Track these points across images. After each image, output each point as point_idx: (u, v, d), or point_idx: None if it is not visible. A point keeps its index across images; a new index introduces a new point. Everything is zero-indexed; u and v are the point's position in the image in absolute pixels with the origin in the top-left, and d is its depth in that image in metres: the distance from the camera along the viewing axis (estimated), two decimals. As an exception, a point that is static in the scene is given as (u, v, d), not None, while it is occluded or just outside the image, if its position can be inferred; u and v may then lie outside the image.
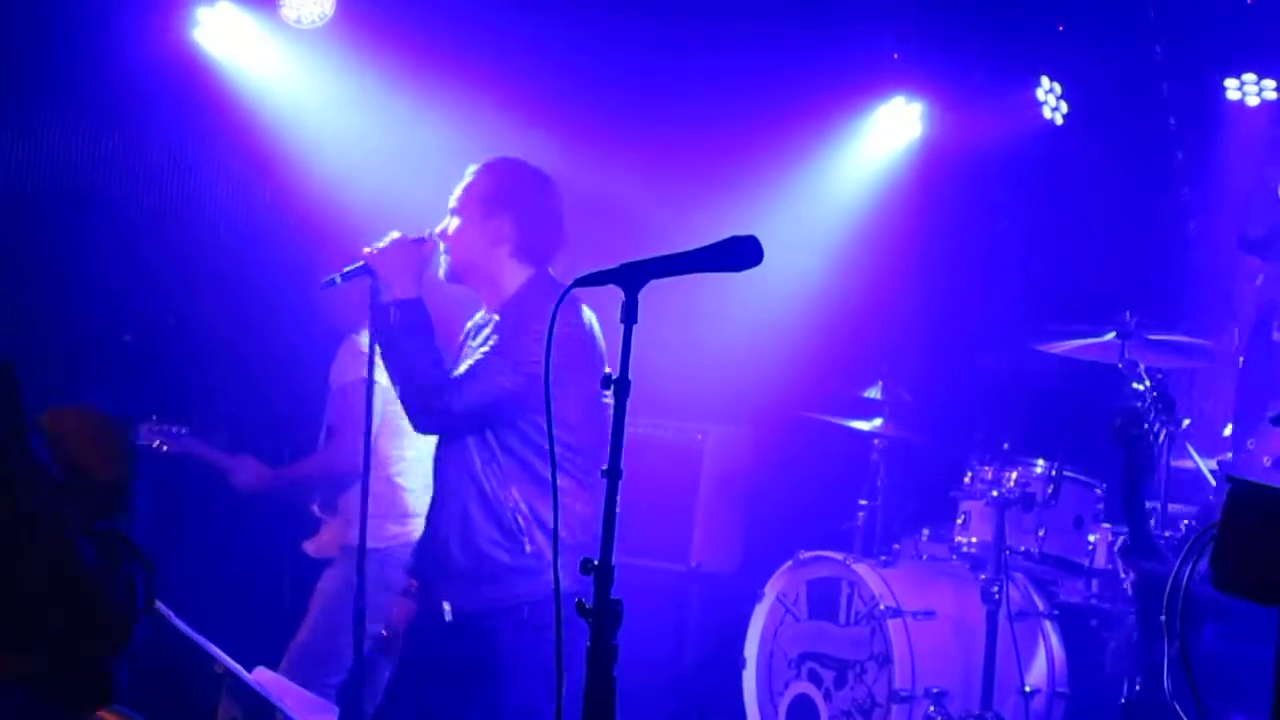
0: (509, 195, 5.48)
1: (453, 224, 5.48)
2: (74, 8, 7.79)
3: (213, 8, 8.03)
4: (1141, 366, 6.91)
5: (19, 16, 7.70)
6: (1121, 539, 6.71)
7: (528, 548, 5.22)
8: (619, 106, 8.80)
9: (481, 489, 5.26)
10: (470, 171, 5.57)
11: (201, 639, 5.26)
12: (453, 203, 5.53)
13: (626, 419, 3.76)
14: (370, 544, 6.74)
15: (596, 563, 3.69)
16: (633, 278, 3.81)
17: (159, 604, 5.01)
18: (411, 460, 6.85)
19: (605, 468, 3.74)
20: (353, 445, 6.72)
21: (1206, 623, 4.81)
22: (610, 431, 3.75)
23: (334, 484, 6.83)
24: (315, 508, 7.01)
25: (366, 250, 5.35)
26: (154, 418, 6.81)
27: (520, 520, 5.23)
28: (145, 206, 8.28)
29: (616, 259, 3.88)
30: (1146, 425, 5.07)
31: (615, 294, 3.83)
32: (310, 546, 6.96)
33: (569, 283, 4.00)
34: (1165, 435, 5.13)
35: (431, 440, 6.03)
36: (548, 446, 5.08)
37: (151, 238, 8.21)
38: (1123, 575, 7.11)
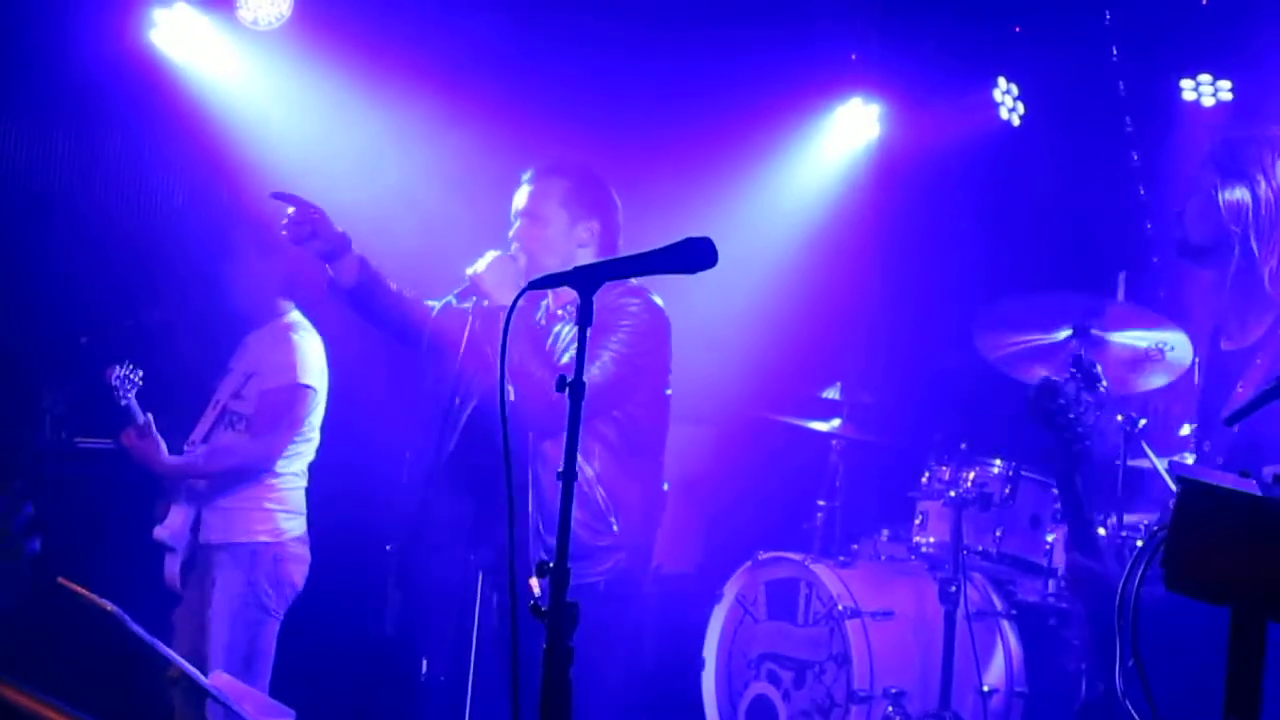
0: (598, 198, 5.75)
1: (536, 230, 5.67)
2: (29, 10, 7.75)
3: (169, 9, 8.01)
4: (1099, 366, 6.92)
5: (-27, 20, 7.68)
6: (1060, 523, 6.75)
7: (615, 527, 5.51)
8: (575, 108, 8.78)
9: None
10: (532, 176, 5.76)
11: (157, 643, 5.23)
12: (529, 206, 5.72)
13: (581, 421, 3.76)
14: (266, 539, 6.78)
15: (551, 565, 3.69)
16: (587, 279, 3.82)
17: (114, 607, 5.00)
18: (305, 455, 6.92)
19: (560, 470, 3.74)
20: (271, 444, 6.77)
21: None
22: (565, 433, 3.75)
23: (239, 477, 6.81)
24: (184, 494, 6.89)
25: (470, 271, 5.52)
26: (126, 363, 6.73)
27: (602, 501, 5.49)
28: (102, 208, 8.25)
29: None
30: (1063, 400, 4.98)
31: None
32: (159, 531, 6.84)
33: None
34: (1089, 407, 5.02)
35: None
36: (632, 434, 5.63)
37: (109, 239, 8.18)
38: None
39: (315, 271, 6.10)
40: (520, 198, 5.78)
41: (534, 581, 5.20)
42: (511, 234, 5.73)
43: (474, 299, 5.55)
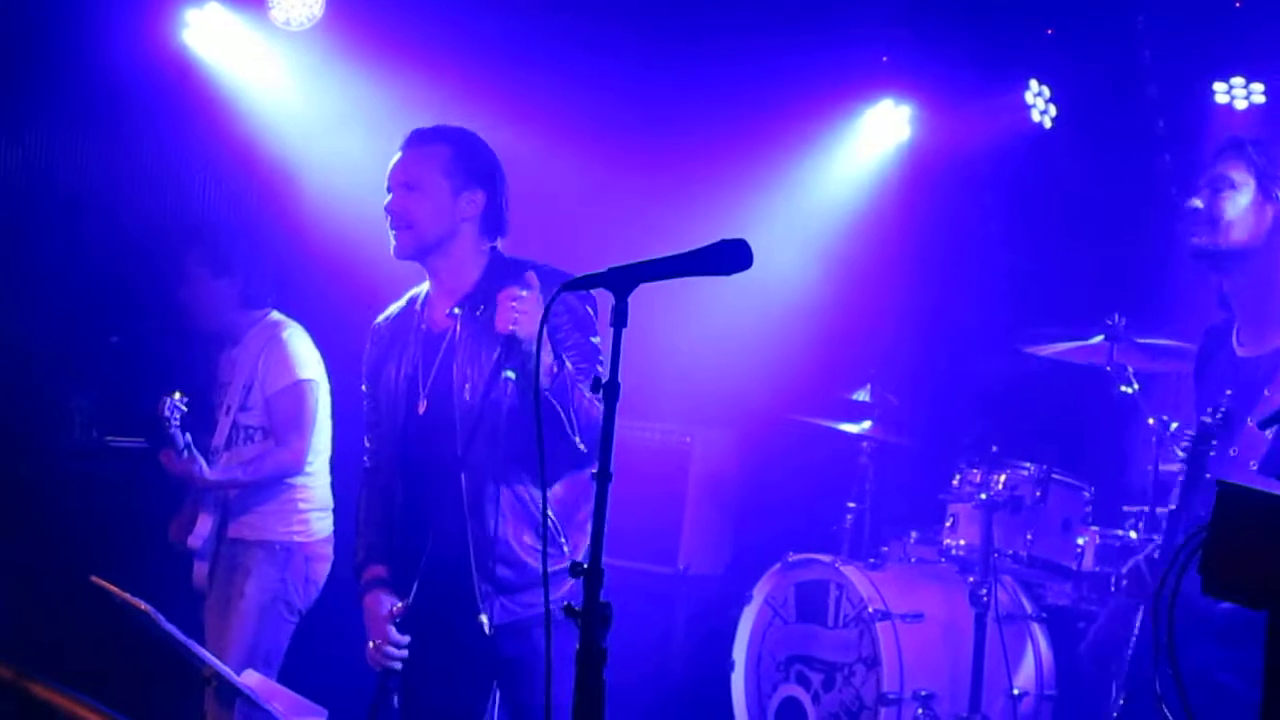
0: (482, 169, 5.26)
1: (415, 200, 5.18)
2: (62, 11, 7.79)
3: (201, 10, 8.05)
4: (1130, 369, 6.92)
5: (7, 20, 7.70)
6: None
7: (566, 550, 5.10)
8: (608, 110, 8.81)
9: (517, 495, 5.08)
10: (409, 143, 5.28)
11: (190, 641, 5.25)
12: (407, 175, 5.21)
13: (616, 422, 3.75)
14: (300, 538, 6.81)
15: (586, 565, 3.68)
16: (622, 281, 3.79)
17: (147, 606, 5.01)
18: (326, 450, 6.98)
19: (595, 470, 3.73)
20: (299, 446, 6.81)
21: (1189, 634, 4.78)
22: (600, 434, 3.73)
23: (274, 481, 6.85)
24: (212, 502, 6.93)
25: (511, 326, 4.83)
26: (177, 393, 6.74)
27: (554, 523, 5.09)
28: (133, 209, 8.28)
29: (606, 262, 3.87)
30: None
31: (606, 296, 3.82)
32: (193, 539, 6.87)
33: (556, 287, 3.98)
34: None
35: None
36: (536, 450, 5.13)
37: (140, 240, 8.20)
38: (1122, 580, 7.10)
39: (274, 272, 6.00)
40: (399, 168, 5.25)
41: (484, 619, 5.16)
42: (386, 205, 5.22)
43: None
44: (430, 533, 5.13)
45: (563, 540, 5.10)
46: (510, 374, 5.00)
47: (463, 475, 5.07)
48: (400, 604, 5.09)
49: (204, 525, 6.81)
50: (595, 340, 5.12)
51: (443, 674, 5.23)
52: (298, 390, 6.85)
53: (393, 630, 5.10)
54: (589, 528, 4.96)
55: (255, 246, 7.14)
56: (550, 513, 5.06)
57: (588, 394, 4.91)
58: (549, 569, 4.94)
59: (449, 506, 5.10)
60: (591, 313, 5.15)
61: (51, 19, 7.79)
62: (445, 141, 5.28)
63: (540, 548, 4.96)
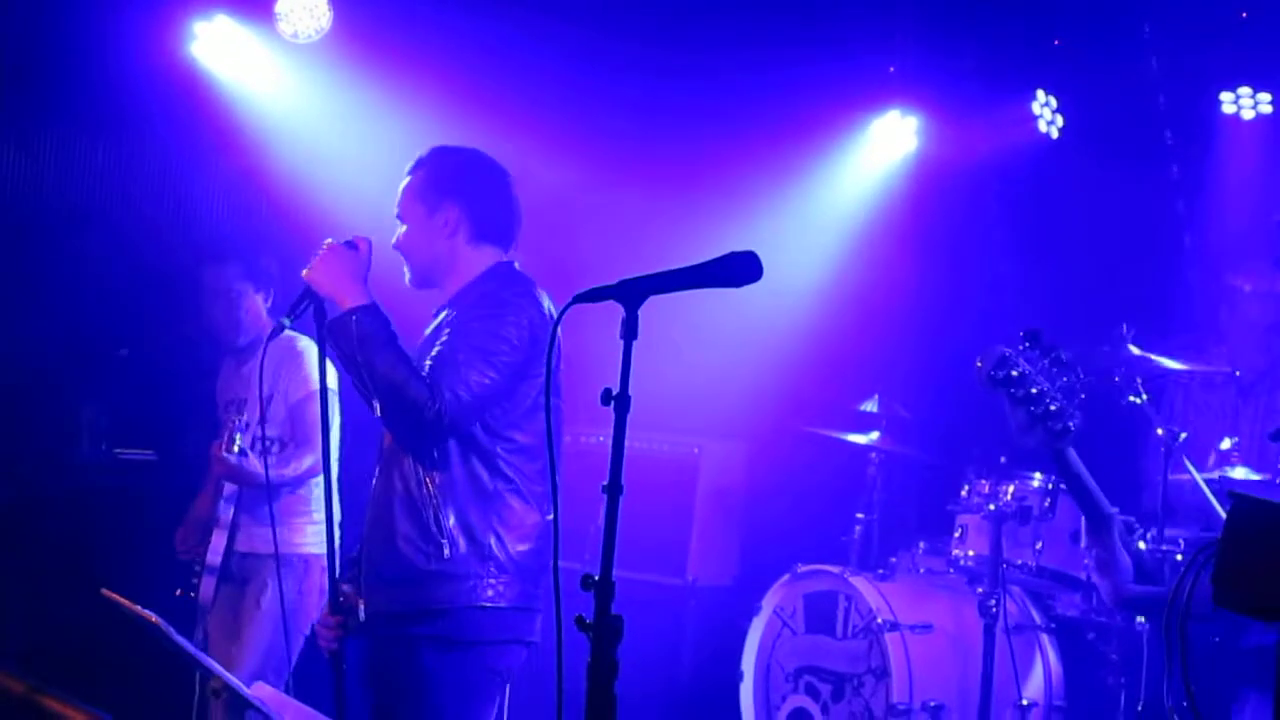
0: (448, 182, 5.22)
1: (401, 230, 5.24)
2: (71, 23, 7.79)
3: (209, 22, 8.05)
4: (1139, 380, 6.91)
5: (17, 32, 7.71)
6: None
7: (446, 552, 4.92)
8: (617, 121, 8.82)
9: (408, 486, 5.00)
10: (405, 173, 5.32)
11: (200, 654, 5.24)
12: (397, 209, 5.26)
13: (626, 434, 3.75)
14: (315, 550, 6.81)
15: (597, 577, 3.68)
16: (632, 293, 3.79)
17: (157, 618, 5.01)
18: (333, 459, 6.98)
19: (605, 483, 3.72)
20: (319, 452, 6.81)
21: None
22: (610, 446, 3.72)
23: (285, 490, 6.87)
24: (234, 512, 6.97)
25: (304, 273, 5.03)
26: (243, 418, 6.79)
27: (441, 522, 4.93)
28: (143, 221, 8.29)
29: (615, 274, 3.87)
30: (1019, 370, 4.59)
31: (614, 309, 3.82)
32: (213, 555, 6.90)
33: (562, 297, 3.98)
34: (1054, 375, 4.65)
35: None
36: (496, 448, 5.00)
37: (148, 252, 8.21)
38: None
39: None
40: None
41: (361, 605, 5.13)
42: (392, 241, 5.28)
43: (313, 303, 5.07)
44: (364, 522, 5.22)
45: (443, 542, 4.94)
46: (287, 321, 5.06)
47: (378, 468, 5.16)
48: (346, 586, 5.16)
49: (218, 540, 6.83)
50: (500, 328, 4.99)
51: (353, 660, 5.19)
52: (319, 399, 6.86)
53: (324, 610, 5.14)
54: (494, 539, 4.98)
55: (284, 260, 7.16)
56: (447, 511, 4.96)
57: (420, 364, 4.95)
58: (422, 568, 4.94)
59: (374, 493, 5.19)
60: (516, 303, 5.07)
61: (60, 30, 7.80)
62: (419, 167, 5.29)
63: (422, 545, 4.95)
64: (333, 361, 5.25)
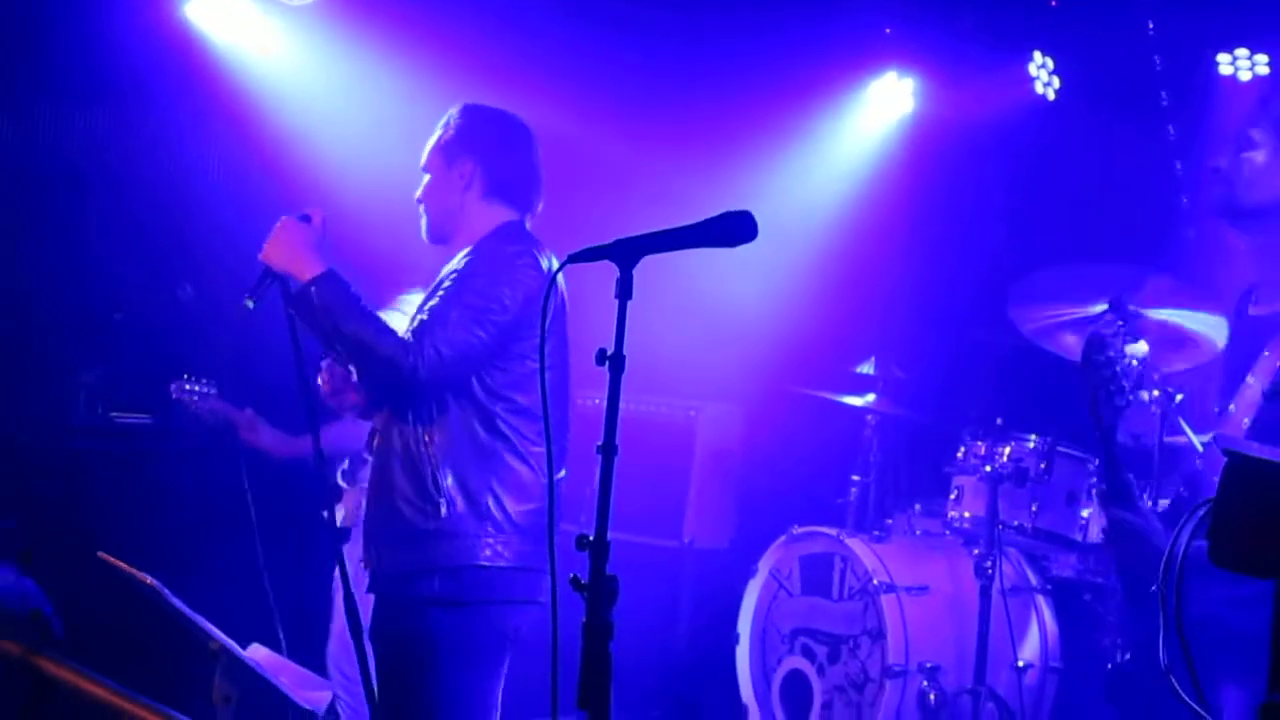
0: (469, 137, 5.28)
1: (425, 186, 5.32)
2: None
3: (204, -16, 8.03)
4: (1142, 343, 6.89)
5: (9, -1, 7.70)
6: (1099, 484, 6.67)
7: (443, 510, 4.92)
8: (612, 81, 8.80)
9: (407, 446, 4.99)
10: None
11: (196, 616, 5.25)
12: (423, 163, 5.36)
13: (621, 395, 3.75)
14: None
15: (592, 538, 3.68)
16: (627, 253, 3.79)
17: (154, 581, 5.02)
18: None
19: (600, 444, 3.72)
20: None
21: (1195, 584, 4.72)
22: (605, 407, 3.73)
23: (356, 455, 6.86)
24: (339, 477, 7.00)
25: (261, 254, 5.00)
26: (185, 376, 6.79)
27: (439, 481, 4.93)
28: (138, 184, 8.26)
29: (610, 234, 3.87)
30: (1111, 353, 4.92)
31: (610, 269, 3.81)
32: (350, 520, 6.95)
33: (561, 257, 3.97)
34: (1133, 366, 4.95)
35: None
36: (495, 407, 5.00)
37: (144, 215, 8.20)
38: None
39: None
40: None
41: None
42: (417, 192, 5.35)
43: (276, 282, 5.01)
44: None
45: (440, 501, 4.94)
46: (249, 303, 4.98)
47: (377, 423, 5.18)
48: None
49: (347, 500, 6.84)
50: (493, 286, 4.98)
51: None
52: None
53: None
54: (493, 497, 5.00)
55: None
56: (445, 470, 4.97)
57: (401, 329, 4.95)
58: (420, 527, 4.95)
59: (375, 454, 5.19)
60: (515, 262, 5.07)
61: (53, -6, 7.79)
62: (448, 121, 5.35)
63: (419, 504, 4.96)
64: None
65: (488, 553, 4.96)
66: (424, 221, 5.33)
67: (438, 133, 5.36)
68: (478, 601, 4.98)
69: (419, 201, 5.33)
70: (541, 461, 5.05)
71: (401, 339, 4.89)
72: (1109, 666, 6.52)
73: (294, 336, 5.08)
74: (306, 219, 5.07)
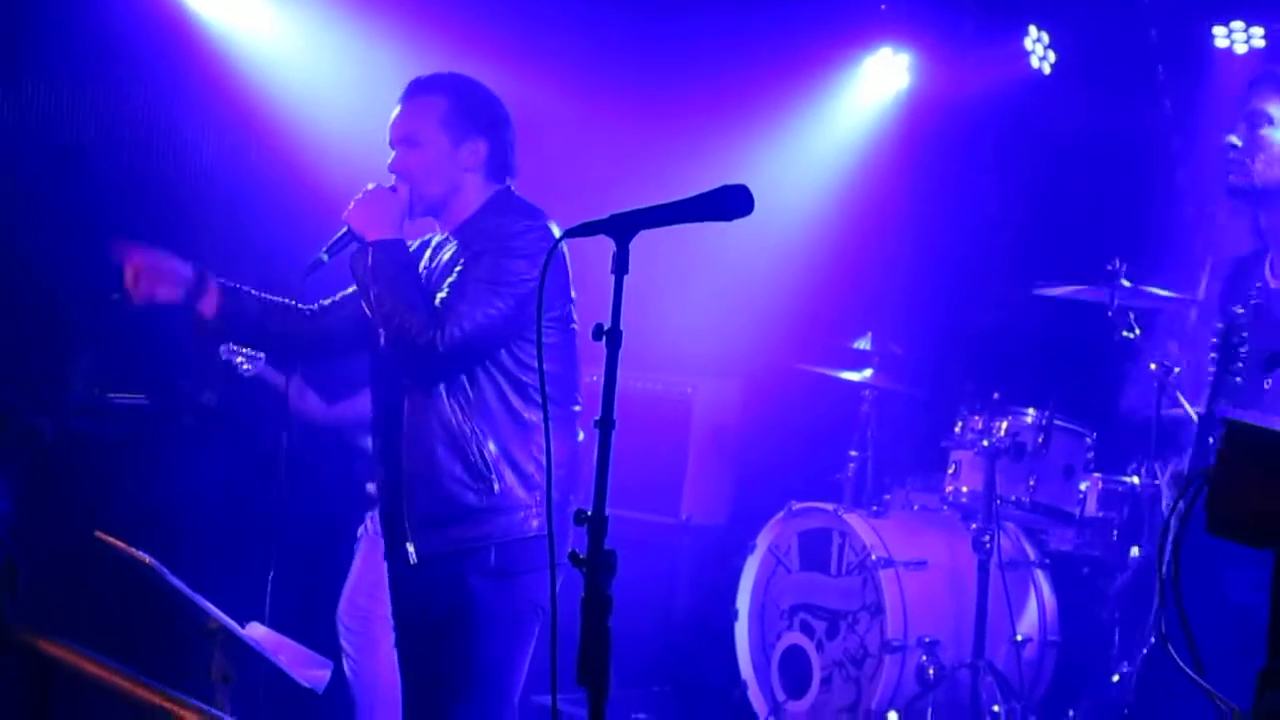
0: (480, 116, 5.22)
1: (415, 156, 5.17)
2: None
3: (197, -41, 8.01)
4: (1131, 314, 6.91)
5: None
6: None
7: (496, 487, 4.98)
8: (607, 58, 8.79)
9: (448, 425, 5.00)
10: (406, 97, 5.24)
11: (195, 595, 5.25)
12: (406, 130, 5.19)
13: (618, 371, 3.74)
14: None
15: (589, 513, 3.67)
16: (623, 227, 3.78)
17: (152, 560, 5.02)
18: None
19: (598, 418, 3.72)
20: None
21: (1230, 573, 4.71)
22: (602, 381, 3.73)
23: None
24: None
25: (345, 214, 5.06)
26: (230, 344, 6.84)
27: (487, 458, 4.98)
28: (131, 163, 8.24)
29: (606, 209, 3.86)
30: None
31: (606, 244, 3.81)
32: (372, 487, 6.99)
33: (558, 228, 3.96)
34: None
35: None
36: (527, 378, 5.03)
37: (138, 194, 8.17)
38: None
39: None
40: (396, 123, 5.22)
41: (410, 548, 5.14)
42: (390, 164, 5.19)
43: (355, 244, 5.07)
44: (382, 463, 5.22)
45: (492, 478, 4.99)
46: (324, 256, 5.07)
47: (405, 403, 5.12)
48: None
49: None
50: (508, 259, 5.00)
51: (397, 603, 5.30)
52: None
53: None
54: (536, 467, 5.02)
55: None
56: (490, 447, 5.01)
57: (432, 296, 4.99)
58: (474, 505, 4.98)
59: (396, 435, 5.14)
60: (528, 235, 5.06)
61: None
62: (442, 92, 5.22)
63: (472, 483, 4.99)
64: None
65: (535, 523, 5.01)
66: (405, 193, 5.17)
67: (426, 102, 5.22)
68: (524, 571, 5.04)
69: (404, 172, 5.19)
70: (569, 425, 5.16)
71: (429, 315, 4.91)
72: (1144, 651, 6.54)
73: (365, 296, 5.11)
74: (394, 190, 5.11)
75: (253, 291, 5.39)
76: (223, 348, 6.90)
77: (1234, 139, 5.34)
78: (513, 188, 5.29)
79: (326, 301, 5.46)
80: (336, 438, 7.25)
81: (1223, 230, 7.35)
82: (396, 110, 5.26)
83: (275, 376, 6.94)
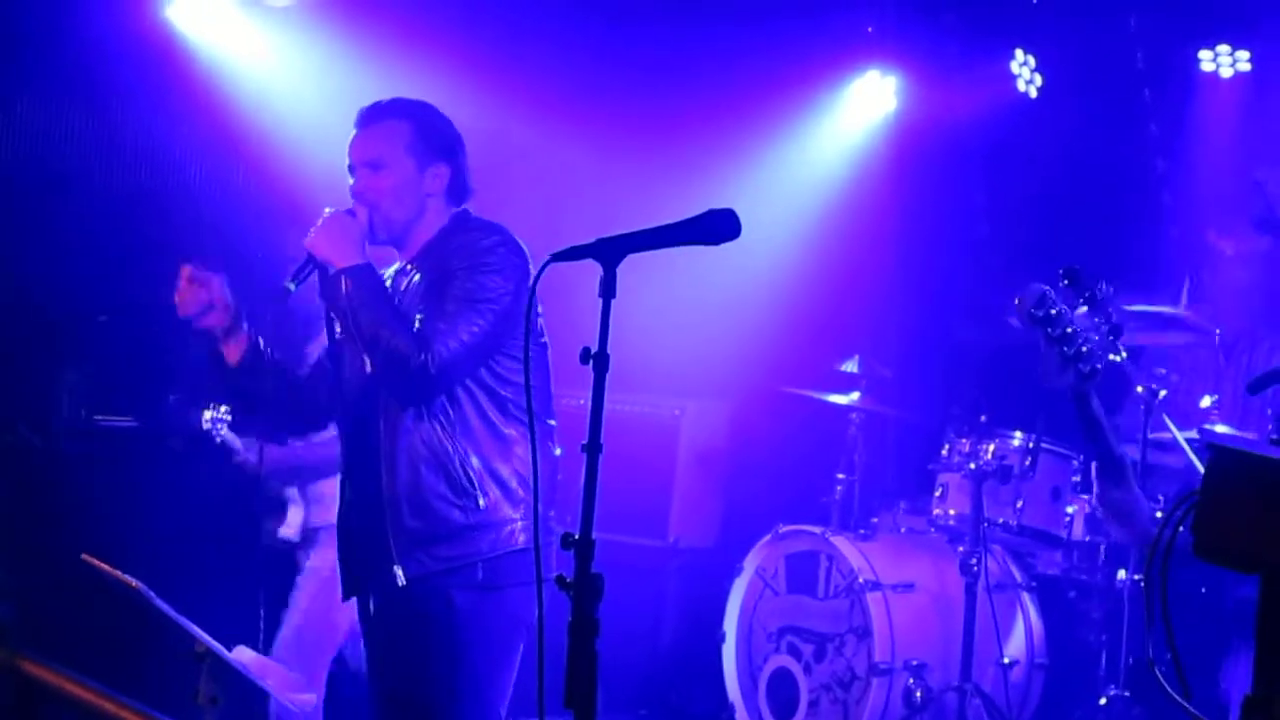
0: (443, 141, 5.18)
1: (381, 180, 5.09)
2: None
3: (185, -15, 8.02)
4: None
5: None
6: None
7: (481, 502, 4.93)
8: (594, 82, 8.80)
9: (430, 443, 4.96)
10: (367, 120, 5.17)
11: (182, 619, 5.24)
12: (369, 154, 5.11)
13: (605, 394, 3.74)
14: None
15: (576, 537, 3.67)
16: (610, 252, 3.78)
17: (139, 584, 5.01)
18: None
19: (584, 443, 3.72)
20: None
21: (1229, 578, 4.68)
22: (589, 405, 3.72)
23: (326, 469, 6.86)
24: (294, 491, 6.98)
25: (306, 241, 4.99)
26: (214, 405, 6.80)
27: (470, 474, 4.94)
28: (119, 186, 8.25)
29: (593, 233, 3.86)
30: (1056, 309, 4.60)
31: (592, 268, 3.81)
32: (286, 530, 6.95)
33: (544, 257, 3.95)
34: (1088, 319, 4.67)
35: None
36: (505, 392, 4.98)
37: (126, 217, 8.18)
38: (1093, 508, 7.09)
39: None
40: (358, 147, 5.14)
41: (398, 570, 5.13)
42: (352, 189, 5.11)
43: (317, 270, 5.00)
44: (352, 485, 5.16)
45: (477, 493, 4.94)
46: (291, 285, 4.99)
47: (381, 424, 5.06)
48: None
49: (294, 516, 6.85)
50: (483, 275, 4.96)
51: (376, 627, 5.21)
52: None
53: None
54: (519, 481, 4.98)
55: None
56: (473, 463, 4.96)
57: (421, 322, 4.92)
58: (461, 522, 4.93)
59: (374, 458, 5.08)
60: (499, 250, 5.02)
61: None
62: (405, 116, 5.18)
63: (457, 500, 4.94)
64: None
65: (522, 538, 4.98)
66: (366, 218, 5.09)
67: (387, 128, 5.16)
68: (509, 585, 4.99)
69: (368, 197, 5.11)
70: (553, 437, 5.16)
71: (415, 338, 4.87)
72: (1130, 661, 6.53)
73: (329, 324, 5.09)
74: (351, 214, 5.04)
75: (269, 350, 5.33)
76: (206, 416, 6.85)
77: (1260, 175, 5.36)
78: (470, 210, 5.26)
79: (306, 371, 5.43)
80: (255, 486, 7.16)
81: (1208, 251, 7.38)
82: (354, 134, 5.20)
83: (235, 444, 6.89)
